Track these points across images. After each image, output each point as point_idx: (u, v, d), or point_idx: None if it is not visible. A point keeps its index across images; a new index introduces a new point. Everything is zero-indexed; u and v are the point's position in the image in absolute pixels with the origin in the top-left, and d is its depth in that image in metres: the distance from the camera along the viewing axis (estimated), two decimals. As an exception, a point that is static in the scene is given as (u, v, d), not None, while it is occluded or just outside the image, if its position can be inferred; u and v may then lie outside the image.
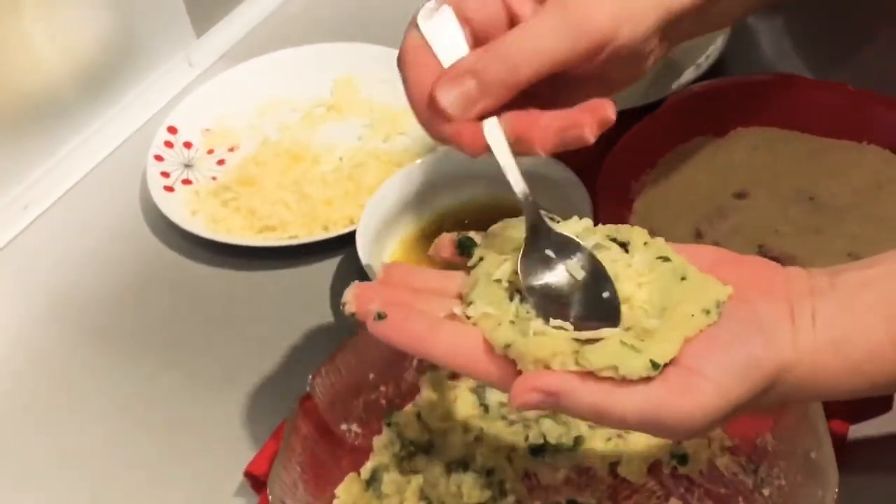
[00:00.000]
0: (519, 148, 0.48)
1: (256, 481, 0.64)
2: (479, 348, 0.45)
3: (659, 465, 0.60)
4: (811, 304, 0.46)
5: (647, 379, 0.43)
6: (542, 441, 0.61)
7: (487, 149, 0.48)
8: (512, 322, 0.45)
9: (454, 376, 0.63)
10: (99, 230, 0.87)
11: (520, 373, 0.44)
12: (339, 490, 0.59)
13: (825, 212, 0.74)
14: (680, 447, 0.60)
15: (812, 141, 0.79)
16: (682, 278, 0.46)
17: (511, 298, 0.46)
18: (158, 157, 0.88)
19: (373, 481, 0.60)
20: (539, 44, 0.48)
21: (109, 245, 0.85)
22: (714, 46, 0.91)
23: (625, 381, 0.43)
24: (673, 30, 0.55)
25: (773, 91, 0.81)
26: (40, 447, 0.71)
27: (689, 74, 0.90)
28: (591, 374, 0.43)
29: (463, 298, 0.48)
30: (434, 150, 0.84)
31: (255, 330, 0.76)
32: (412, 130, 0.90)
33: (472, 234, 0.49)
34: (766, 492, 0.56)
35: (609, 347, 0.43)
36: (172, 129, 0.90)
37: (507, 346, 0.44)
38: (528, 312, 0.45)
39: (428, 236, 0.77)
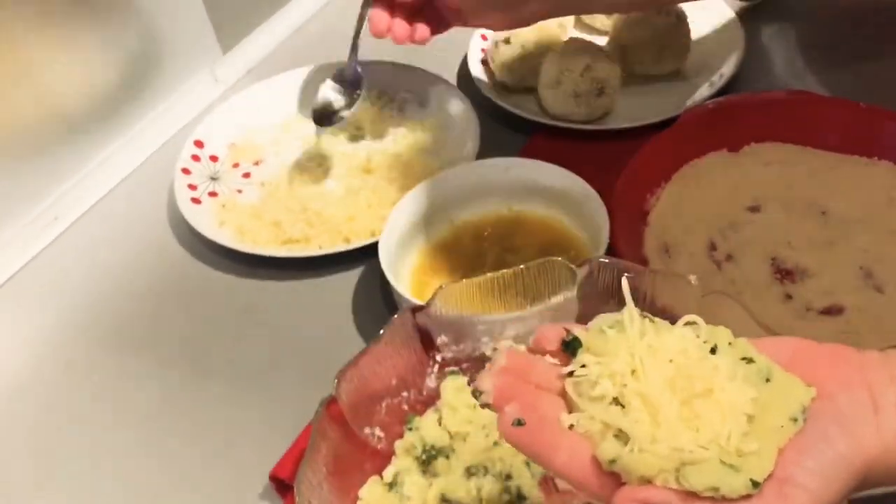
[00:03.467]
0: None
1: (281, 485, 0.66)
2: (589, 465, 0.45)
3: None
4: (892, 391, 0.46)
5: (747, 496, 0.43)
6: (559, 447, 0.62)
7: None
8: (616, 436, 0.45)
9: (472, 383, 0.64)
10: (127, 241, 0.89)
11: (624, 484, 0.45)
12: (363, 492, 0.61)
13: (837, 225, 0.75)
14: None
15: (824, 156, 0.80)
16: (767, 380, 0.46)
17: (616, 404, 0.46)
18: (185, 171, 0.90)
19: (395, 484, 0.61)
20: None
21: (137, 256, 0.87)
22: (728, 65, 0.93)
23: (724, 499, 0.43)
24: None
25: (786, 108, 0.82)
26: (70, 452, 0.73)
27: (703, 91, 0.92)
28: (692, 494, 0.43)
29: (567, 402, 0.47)
30: (453, 165, 0.86)
31: (280, 338, 0.78)
32: (432, 145, 0.92)
33: (576, 331, 0.48)
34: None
35: (710, 467, 0.43)
36: (199, 143, 0.93)
37: (612, 461, 0.44)
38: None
39: (448, 247, 0.78)
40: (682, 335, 0.47)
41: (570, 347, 0.48)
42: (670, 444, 0.43)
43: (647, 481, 0.44)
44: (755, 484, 0.43)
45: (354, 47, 0.88)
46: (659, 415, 0.44)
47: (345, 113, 0.89)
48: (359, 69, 0.89)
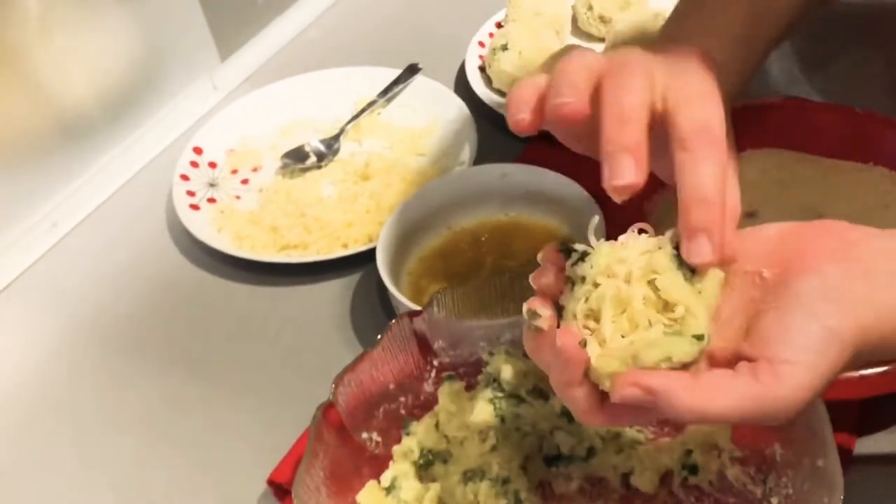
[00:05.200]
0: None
1: (279, 489, 0.66)
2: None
3: (670, 476, 0.62)
4: (887, 260, 0.46)
5: (732, 375, 0.44)
6: (556, 451, 0.63)
7: None
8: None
9: (470, 388, 0.65)
10: (126, 247, 0.89)
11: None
12: (360, 497, 0.61)
13: (833, 231, 0.75)
14: (690, 458, 0.61)
15: (820, 162, 0.80)
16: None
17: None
18: (184, 177, 0.90)
19: (392, 489, 0.61)
20: None
21: (136, 262, 0.87)
22: (725, 70, 0.93)
23: (721, 382, 0.44)
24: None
25: (782, 114, 0.82)
26: (68, 457, 0.73)
27: (700, 98, 0.92)
28: (691, 377, 0.45)
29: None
30: (451, 171, 0.86)
31: (278, 344, 0.79)
32: (430, 151, 0.92)
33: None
34: (774, 501, 0.58)
35: (657, 342, 0.45)
36: (198, 150, 0.93)
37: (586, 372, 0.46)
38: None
39: (445, 253, 0.79)
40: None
41: (567, 251, 0.50)
42: (625, 341, 0.46)
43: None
44: (699, 337, 0.45)
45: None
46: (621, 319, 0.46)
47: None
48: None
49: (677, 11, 0.70)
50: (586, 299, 0.47)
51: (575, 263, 0.49)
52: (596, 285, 0.47)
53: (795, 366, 0.44)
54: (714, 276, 0.48)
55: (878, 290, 0.45)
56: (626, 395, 0.45)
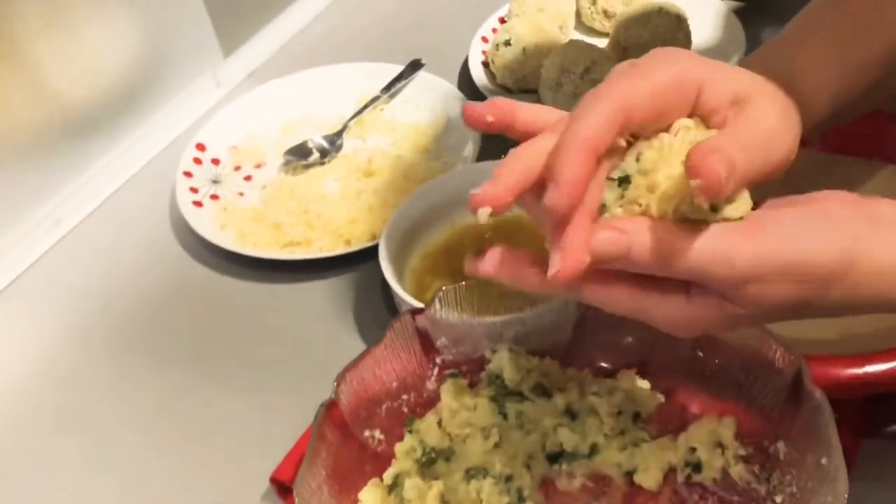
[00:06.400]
0: None
1: (282, 487, 0.66)
2: None
3: (673, 474, 0.61)
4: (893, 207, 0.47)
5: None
6: (559, 449, 0.62)
7: None
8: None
9: (472, 385, 0.65)
10: (129, 244, 0.89)
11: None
12: (363, 495, 0.61)
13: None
14: (694, 456, 0.61)
15: (824, 158, 0.80)
16: None
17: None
18: (187, 174, 0.90)
19: (395, 487, 0.61)
20: None
21: (139, 259, 0.87)
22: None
23: (691, 226, 0.45)
24: None
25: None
26: (72, 454, 0.73)
27: (704, 93, 0.91)
28: (659, 220, 0.45)
29: None
30: (454, 167, 0.86)
31: (281, 341, 0.78)
32: (433, 147, 0.92)
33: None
34: (778, 499, 0.57)
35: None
36: (201, 147, 0.93)
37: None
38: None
39: (449, 251, 0.79)
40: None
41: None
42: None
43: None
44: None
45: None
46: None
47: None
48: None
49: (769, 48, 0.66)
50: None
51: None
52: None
53: (771, 230, 0.45)
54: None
55: (880, 227, 0.46)
56: (601, 239, 0.45)
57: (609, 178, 0.47)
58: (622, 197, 0.47)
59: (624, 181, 0.47)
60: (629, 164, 0.47)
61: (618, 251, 0.45)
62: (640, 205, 0.46)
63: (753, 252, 0.45)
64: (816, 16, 0.62)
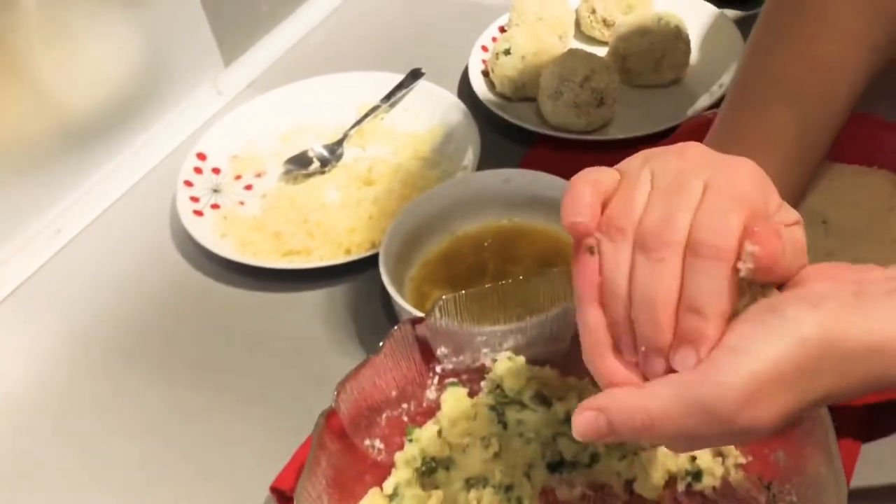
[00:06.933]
0: None
1: (282, 497, 0.66)
2: None
3: (674, 482, 0.61)
4: (884, 283, 0.44)
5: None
6: (559, 458, 0.62)
7: None
8: None
9: (472, 394, 0.65)
10: (130, 253, 0.89)
11: None
12: (363, 504, 0.61)
13: (837, 235, 0.75)
14: (694, 464, 0.61)
15: (824, 166, 0.80)
16: None
17: None
18: (188, 183, 0.90)
19: (395, 496, 0.61)
20: None
21: (140, 268, 0.87)
22: (728, 74, 0.93)
23: (664, 378, 0.44)
24: None
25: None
26: (72, 464, 0.73)
27: (702, 101, 0.92)
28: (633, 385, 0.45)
29: None
30: (454, 176, 0.86)
31: (281, 350, 0.78)
32: (433, 156, 0.92)
33: None
34: (778, 508, 0.58)
35: None
36: (201, 156, 0.93)
37: None
38: None
39: (448, 258, 0.79)
40: None
41: None
42: None
43: None
44: None
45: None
46: None
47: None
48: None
49: (724, 120, 0.67)
50: None
51: None
52: None
53: (741, 354, 0.43)
54: None
55: (867, 306, 0.44)
56: (582, 423, 0.45)
57: None
58: None
59: None
60: None
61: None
62: None
63: (722, 385, 0.43)
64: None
